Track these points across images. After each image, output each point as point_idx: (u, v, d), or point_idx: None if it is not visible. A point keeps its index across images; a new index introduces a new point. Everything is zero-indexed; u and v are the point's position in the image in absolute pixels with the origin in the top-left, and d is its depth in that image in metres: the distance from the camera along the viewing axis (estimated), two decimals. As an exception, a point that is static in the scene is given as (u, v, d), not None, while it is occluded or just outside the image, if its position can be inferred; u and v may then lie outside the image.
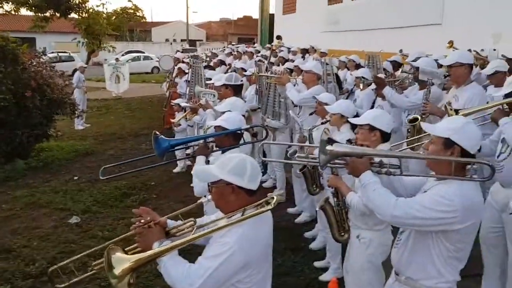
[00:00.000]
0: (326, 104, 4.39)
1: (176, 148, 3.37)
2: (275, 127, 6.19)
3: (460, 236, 2.24)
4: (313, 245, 5.04)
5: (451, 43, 6.65)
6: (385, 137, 3.18)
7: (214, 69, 10.67)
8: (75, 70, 13.03)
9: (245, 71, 8.27)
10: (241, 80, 5.63)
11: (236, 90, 5.26)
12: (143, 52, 34.66)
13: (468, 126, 2.32)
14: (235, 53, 14.07)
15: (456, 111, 3.69)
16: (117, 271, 2.09)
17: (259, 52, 13.91)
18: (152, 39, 49.26)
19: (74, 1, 15.06)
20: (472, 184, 2.26)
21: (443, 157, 2.27)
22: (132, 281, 2.11)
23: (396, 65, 7.80)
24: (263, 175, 7.30)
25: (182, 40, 44.56)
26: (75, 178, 7.67)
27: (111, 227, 5.63)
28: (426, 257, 2.31)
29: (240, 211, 2.18)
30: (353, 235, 3.26)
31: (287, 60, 9.76)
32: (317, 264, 4.64)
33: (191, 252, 2.22)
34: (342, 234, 3.34)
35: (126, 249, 2.25)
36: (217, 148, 3.39)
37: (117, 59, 17.93)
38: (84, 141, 10.49)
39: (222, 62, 11.89)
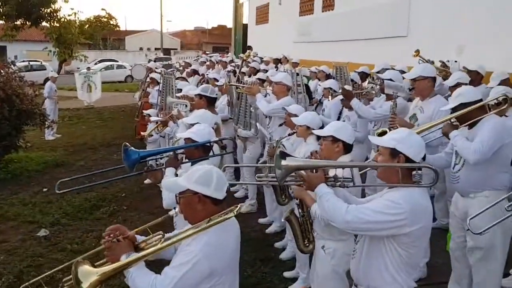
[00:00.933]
0: (295, 116, 4.48)
1: (146, 159, 3.38)
2: (246, 136, 6.26)
3: (410, 240, 2.34)
4: (283, 255, 5.09)
5: (417, 52, 6.83)
6: (347, 148, 3.29)
7: (186, 79, 10.75)
8: (46, 80, 12.83)
9: (217, 81, 8.36)
10: (216, 94, 5.66)
11: (210, 102, 5.29)
12: (117, 61, 34.31)
13: (411, 136, 2.49)
14: (209, 62, 14.16)
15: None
16: (85, 285, 2.10)
17: (232, 61, 14.03)
18: (126, 47, 48.88)
19: (45, 10, 14.84)
20: (420, 189, 2.40)
21: (389, 164, 2.42)
22: None
23: (364, 76, 8.02)
24: (235, 185, 7.36)
25: (156, 49, 44.38)
26: (44, 190, 7.53)
27: (80, 240, 5.56)
28: (380, 265, 2.41)
29: (206, 221, 2.23)
30: (318, 245, 3.34)
31: (258, 71, 9.87)
32: (286, 274, 4.70)
33: (160, 268, 2.26)
34: (307, 244, 3.40)
35: (95, 264, 2.27)
36: (187, 160, 3.43)
37: (88, 68, 17.72)
38: (54, 152, 10.32)
39: (195, 72, 11.92)
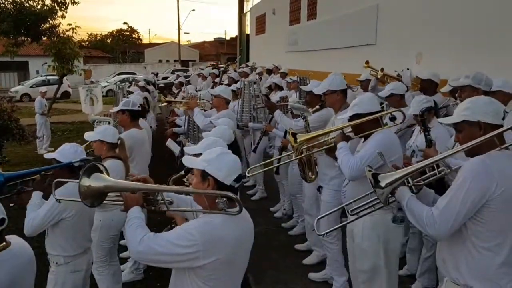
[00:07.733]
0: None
1: (12, 182, 3.29)
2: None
3: (207, 272, 2.12)
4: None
5: (367, 63, 6.63)
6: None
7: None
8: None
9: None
10: (139, 106, 5.43)
11: (133, 115, 5.08)
12: (135, 74, 34.99)
13: (221, 157, 2.23)
14: (202, 74, 14.28)
15: (294, 135, 3.69)
16: None
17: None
18: (145, 60, 49.79)
19: (44, 26, 15.21)
20: (224, 218, 2.16)
21: (197, 190, 2.23)
22: None
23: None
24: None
25: (175, 61, 45.02)
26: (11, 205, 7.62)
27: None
28: None
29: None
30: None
31: (237, 81, 9.81)
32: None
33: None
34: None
35: None
36: (55, 181, 3.30)
37: (92, 82, 18.10)
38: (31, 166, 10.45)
39: (181, 84, 12.09)
